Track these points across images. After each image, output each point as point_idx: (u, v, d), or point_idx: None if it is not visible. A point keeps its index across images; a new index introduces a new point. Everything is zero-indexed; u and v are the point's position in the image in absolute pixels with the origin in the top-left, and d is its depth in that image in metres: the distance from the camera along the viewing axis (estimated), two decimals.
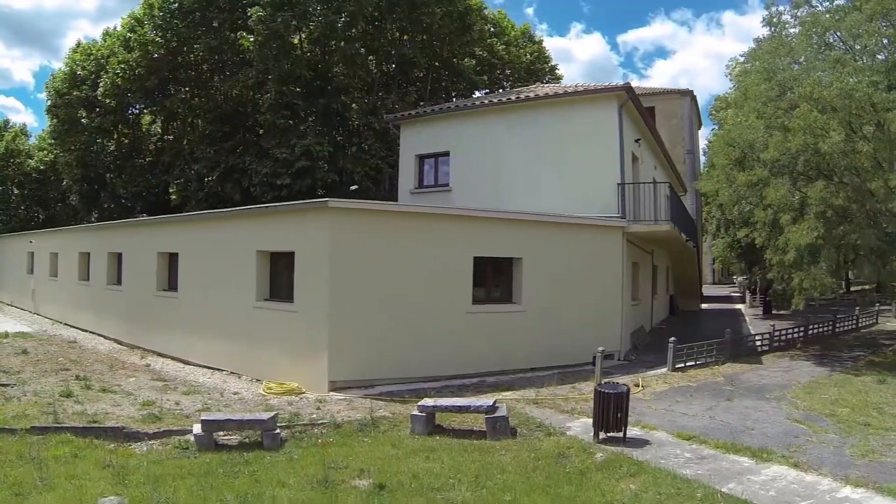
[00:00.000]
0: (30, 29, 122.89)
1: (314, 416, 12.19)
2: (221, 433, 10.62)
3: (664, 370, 17.58)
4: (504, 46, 41.33)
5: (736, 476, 8.79)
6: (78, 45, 43.24)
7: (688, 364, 18.05)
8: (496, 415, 10.92)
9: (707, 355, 18.72)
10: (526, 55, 42.88)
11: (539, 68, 43.51)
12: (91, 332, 24.82)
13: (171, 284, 21.00)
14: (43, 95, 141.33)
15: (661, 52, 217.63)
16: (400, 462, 9.37)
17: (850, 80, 16.88)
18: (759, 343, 21.85)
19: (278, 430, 10.56)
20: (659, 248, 28.08)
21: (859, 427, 11.50)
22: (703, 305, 42.00)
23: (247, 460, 9.46)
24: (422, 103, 33.65)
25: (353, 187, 31.12)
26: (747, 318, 33.00)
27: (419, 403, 11.54)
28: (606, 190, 20.34)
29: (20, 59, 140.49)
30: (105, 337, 23.57)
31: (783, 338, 22.76)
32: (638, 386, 15.26)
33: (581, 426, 11.38)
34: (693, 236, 30.86)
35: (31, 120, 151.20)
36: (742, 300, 46.21)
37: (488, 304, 17.33)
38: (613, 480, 8.53)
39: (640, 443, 10.38)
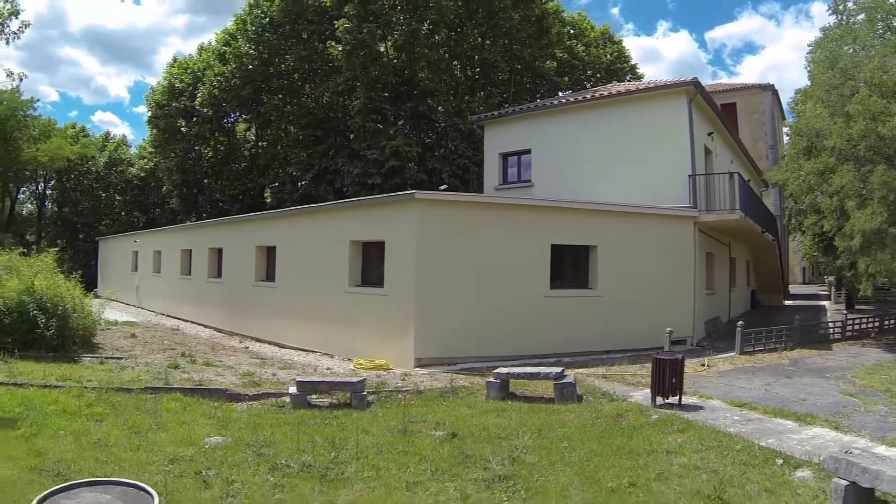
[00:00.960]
0: (123, 47, 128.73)
1: (399, 385, 13.53)
2: (314, 396, 12.01)
3: (733, 354, 18.27)
4: (584, 48, 42.05)
5: (776, 434, 9.47)
6: (175, 60, 46.12)
7: (756, 349, 18.67)
8: (563, 381, 12.06)
9: (776, 341, 19.31)
10: (606, 55, 43.48)
11: (619, 68, 44.00)
12: (192, 321, 26.81)
13: (269, 275, 22.74)
14: (139, 109, 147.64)
15: (750, 48, 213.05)
16: (473, 418, 10.58)
17: None
18: (831, 331, 22.24)
19: (366, 393, 11.89)
20: (736, 241, 28.48)
21: None
22: (787, 302, 41.71)
23: (336, 416, 10.81)
24: (505, 105, 34.79)
25: (443, 187, 32.49)
26: (828, 313, 32.99)
27: (494, 371, 12.73)
28: (678, 181, 21.09)
29: (115, 76, 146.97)
30: (205, 325, 25.45)
31: (856, 327, 23.07)
32: (704, 365, 16.11)
33: (643, 395, 12.33)
34: (772, 230, 31.07)
35: (127, 132, 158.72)
36: (828, 297, 45.72)
37: (565, 290, 18.36)
38: (662, 434, 9.51)
39: (694, 408, 11.27)
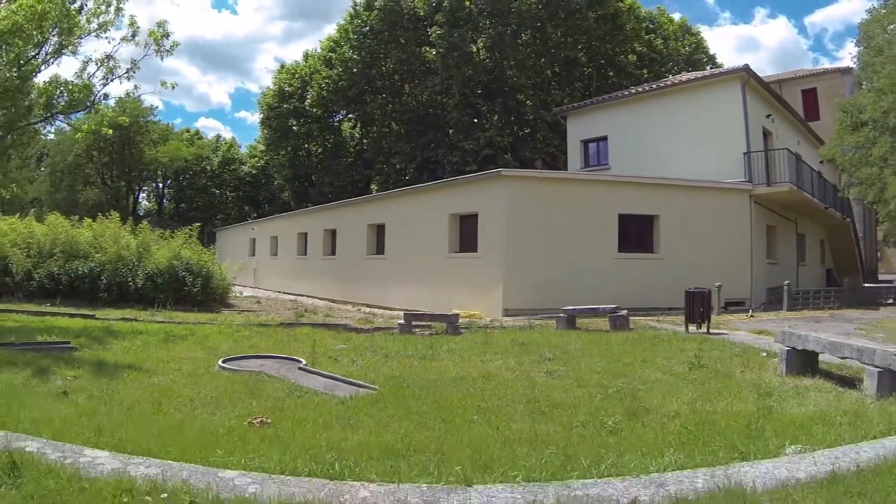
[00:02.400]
0: (223, 55, 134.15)
1: (487, 324, 16.74)
2: (417, 328, 15.31)
3: (782, 310, 20.79)
4: (662, 41, 44.20)
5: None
6: (283, 66, 50.64)
7: (804, 307, 21.11)
8: (617, 314, 15.08)
9: (824, 301, 21.72)
10: (684, 48, 45.57)
11: (698, 59, 45.89)
12: (308, 295, 30.34)
13: (379, 249, 26.32)
14: (240, 114, 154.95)
15: (852, 31, 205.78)
16: (541, 337, 13.65)
17: None
18: (883, 297, 24.36)
19: (459, 324, 15.16)
20: (804, 218, 30.28)
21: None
22: (867, 284, 42.56)
23: (434, 337, 14.05)
24: (589, 97, 37.61)
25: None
26: None
27: (563, 308, 15.86)
28: (735, 158, 23.52)
29: (216, 84, 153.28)
30: (320, 298, 28.98)
31: None
32: (750, 315, 18.76)
33: (681, 329, 14.81)
34: (845, 210, 32.63)
35: (229, 137, 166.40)
36: None
37: (631, 253, 21.17)
38: (682, 342, 12.35)
39: (720, 334, 13.90)
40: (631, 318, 16.26)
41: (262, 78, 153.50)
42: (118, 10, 17.08)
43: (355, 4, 41.06)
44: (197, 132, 70.62)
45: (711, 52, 47.69)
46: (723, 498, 3.80)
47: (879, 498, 3.81)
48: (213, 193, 66.04)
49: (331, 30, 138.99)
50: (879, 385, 7.09)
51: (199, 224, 27.97)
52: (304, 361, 9.85)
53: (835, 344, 8.13)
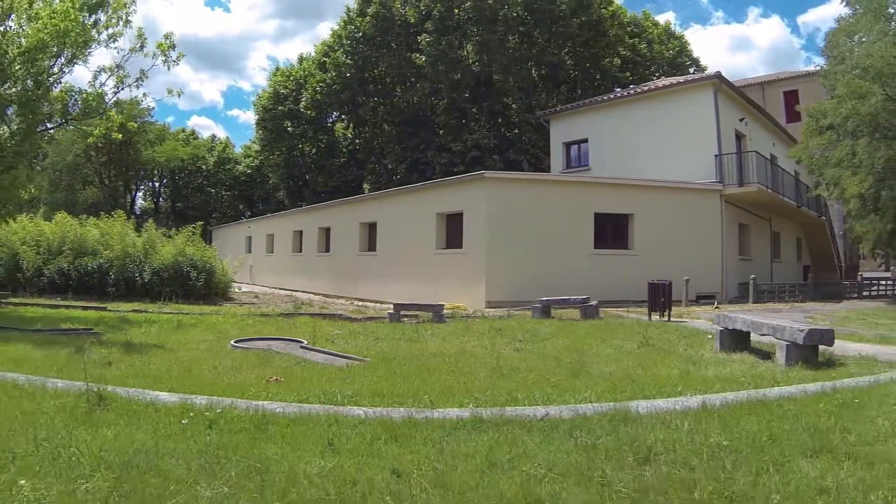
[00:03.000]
0: (215, 53, 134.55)
1: (470, 314, 18.23)
2: (406, 318, 16.76)
3: (748, 303, 22.27)
4: (646, 45, 45.70)
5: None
6: (277, 69, 52.30)
7: (769, 300, 22.60)
8: (587, 305, 16.57)
9: (789, 295, 23.22)
10: (668, 51, 47.07)
11: (681, 62, 47.37)
12: (303, 291, 31.72)
13: (371, 246, 27.80)
14: (233, 112, 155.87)
15: None
16: (516, 325, 15.05)
17: (883, 46, 20.80)
18: (846, 291, 25.94)
19: (444, 313, 16.63)
20: (779, 216, 31.69)
21: (860, 323, 15.75)
22: (847, 281, 43.85)
23: (420, 325, 15.47)
24: (574, 100, 39.06)
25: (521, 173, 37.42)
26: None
27: (538, 299, 17.34)
28: (707, 160, 25.11)
29: (208, 82, 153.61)
30: (315, 293, 30.42)
31: (877, 289, 26.63)
32: (715, 307, 20.17)
33: (646, 318, 16.17)
34: (821, 209, 34.05)
35: (222, 135, 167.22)
36: None
37: (606, 249, 22.67)
38: (641, 327, 13.74)
39: (681, 322, 15.35)
40: (603, 309, 17.74)
41: (255, 76, 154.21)
42: (126, 22, 18.33)
43: (349, 11, 42.57)
44: (192, 132, 71.93)
45: (695, 55, 49.27)
46: (612, 415, 5.20)
47: (722, 420, 5.21)
48: (208, 192, 67.45)
49: (324, 28, 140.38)
50: (787, 356, 8.50)
51: (201, 223, 29.37)
52: (306, 342, 11.31)
53: (756, 323, 9.57)
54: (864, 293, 26.25)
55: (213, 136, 72.95)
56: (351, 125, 48.60)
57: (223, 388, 6.61)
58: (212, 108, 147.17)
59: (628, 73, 44.54)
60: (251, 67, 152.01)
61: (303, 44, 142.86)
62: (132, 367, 8.09)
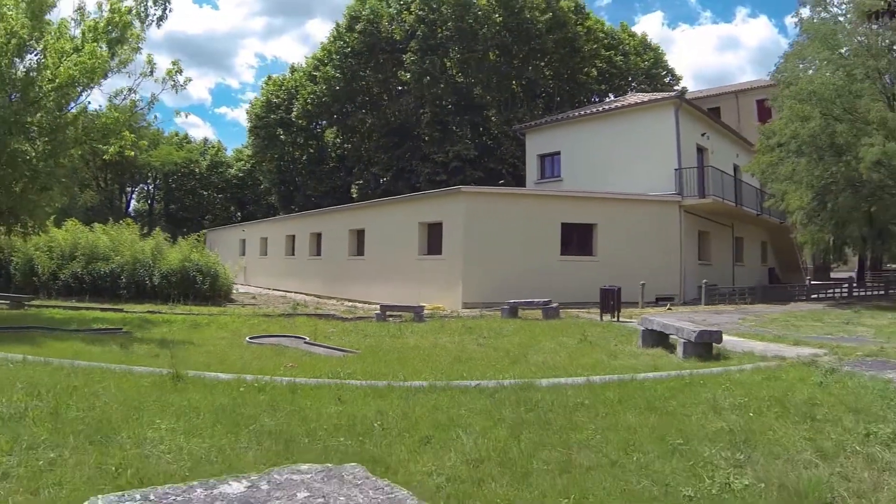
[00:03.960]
0: (204, 51, 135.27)
1: (447, 314, 20.71)
2: (391, 317, 19.16)
3: (701, 305, 24.71)
4: (622, 57, 48.19)
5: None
6: (269, 78, 54.73)
7: (720, 301, 25.04)
8: (548, 306, 19.03)
9: (739, 297, 25.72)
10: (644, 62, 49.51)
11: (656, 73, 49.83)
12: (295, 291, 34.10)
13: (359, 251, 30.26)
14: (220, 110, 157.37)
15: None
16: (485, 324, 17.43)
17: (827, 74, 23.33)
18: (796, 293, 28.44)
19: (424, 314, 19.08)
20: (742, 223, 33.91)
21: (780, 324, 17.90)
22: (815, 282, 45.60)
23: (403, 324, 17.76)
24: (550, 112, 41.57)
25: (501, 182, 39.97)
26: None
27: (507, 301, 19.80)
28: (668, 174, 27.58)
29: (197, 79, 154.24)
30: (307, 294, 32.80)
31: (825, 292, 29.08)
32: (668, 308, 22.67)
33: (608, 318, 18.64)
34: (784, 216, 36.50)
35: (210, 133, 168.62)
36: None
37: (572, 256, 25.16)
38: (589, 327, 16.15)
39: (627, 322, 17.53)
40: (565, 310, 20.21)
41: (243, 73, 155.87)
42: (137, 49, 20.43)
43: (338, 26, 45.00)
44: (185, 136, 74.13)
45: (670, 65, 51.66)
46: (522, 386, 7.64)
47: (594, 390, 7.65)
48: (201, 195, 70.07)
49: (312, 26, 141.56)
50: (685, 351, 10.87)
51: (204, 231, 31.71)
52: (308, 338, 13.75)
53: (667, 325, 11.98)
54: (814, 296, 28.60)
55: (206, 140, 75.42)
56: (340, 133, 51.03)
57: (255, 371, 8.96)
58: (199, 105, 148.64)
59: (604, 86, 47.09)
60: (239, 65, 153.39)
61: (291, 41, 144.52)
62: (176, 358, 10.44)
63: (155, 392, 7.32)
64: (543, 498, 4.36)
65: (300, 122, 49.04)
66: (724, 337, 11.95)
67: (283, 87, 51.71)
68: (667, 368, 9.60)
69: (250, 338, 13.72)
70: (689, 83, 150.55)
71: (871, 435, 5.62)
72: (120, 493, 2.47)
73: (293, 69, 52.89)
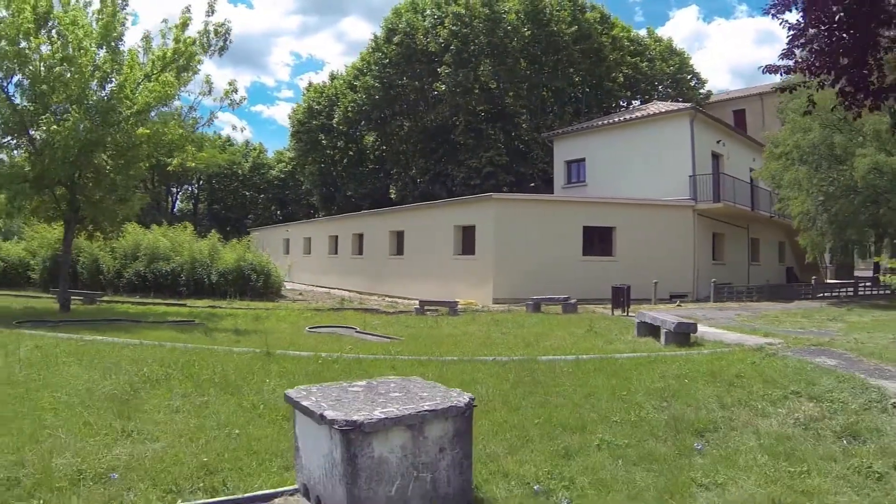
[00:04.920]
0: (239, 50, 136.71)
1: (479, 309, 23.15)
2: (428, 311, 21.66)
3: (710, 302, 26.86)
4: (648, 63, 50.16)
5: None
6: (310, 85, 57.82)
7: (728, 299, 27.18)
8: (567, 302, 21.41)
9: (746, 295, 27.84)
10: (669, 67, 51.39)
11: (682, 77, 51.60)
12: (338, 288, 36.88)
13: (399, 251, 32.85)
14: (256, 108, 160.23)
15: None
16: (511, 317, 19.90)
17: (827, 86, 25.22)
18: (802, 292, 30.46)
19: (458, 308, 21.54)
20: (758, 224, 35.66)
21: (769, 320, 20.01)
22: (832, 280, 46.87)
23: (439, 317, 20.24)
24: (578, 119, 43.89)
25: (532, 185, 42.65)
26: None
27: (530, 297, 22.22)
28: (683, 180, 29.85)
29: (232, 77, 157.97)
30: (349, 290, 35.50)
31: (830, 291, 31.04)
32: (678, 305, 24.87)
33: (619, 313, 21.10)
34: None
35: (247, 133, 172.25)
36: None
37: (593, 256, 27.53)
38: (600, 320, 18.55)
39: (632, 317, 19.72)
40: (584, 305, 22.57)
41: (279, 71, 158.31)
42: (196, 71, 22.86)
43: (376, 38, 47.67)
44: (228, 139, 77.38)
45: (696, 69, 53.25)
46: (527, 360, 10.13)
47: (581, 364, 10.09)
48: (243, 195, 73.28)
49: (346, 24, 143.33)
50: (666, 339, 13.16)
51: (250, 235, 34.46)
52: (358, 328, 16.31)
53: (654, 318, 14.31)
54: (820, 295, 30.55)
55: (248, 142, 78.54)
56: (379, 137, 53.71)
57: (324, 351, 11.44)
58: (210, 82, 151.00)
59: (629, 92, 49.23)
60: (274, 63, 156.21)
61: (326, 39, 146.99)
62: (255, 343, 12.97)
63: (255, 363, 9.91)
64: (526, 419, 6.85)
65: (341, 128, 51.88)
66: (710, 329, 14.36)
67: (324, 94, 54.54)
68: (645, 351, 11.97)
69: (309, 328, 16.30)
70: (725, 78, 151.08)
71: (765, 395, 7.98)
72: (307, 385, 5.01)
73: (333, 76, 55.73)
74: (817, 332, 15.40)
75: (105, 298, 25.09)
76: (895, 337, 13.71)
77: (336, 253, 40.21)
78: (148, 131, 20.09)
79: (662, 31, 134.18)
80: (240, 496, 4.61)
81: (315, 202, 61.14)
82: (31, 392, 7.91)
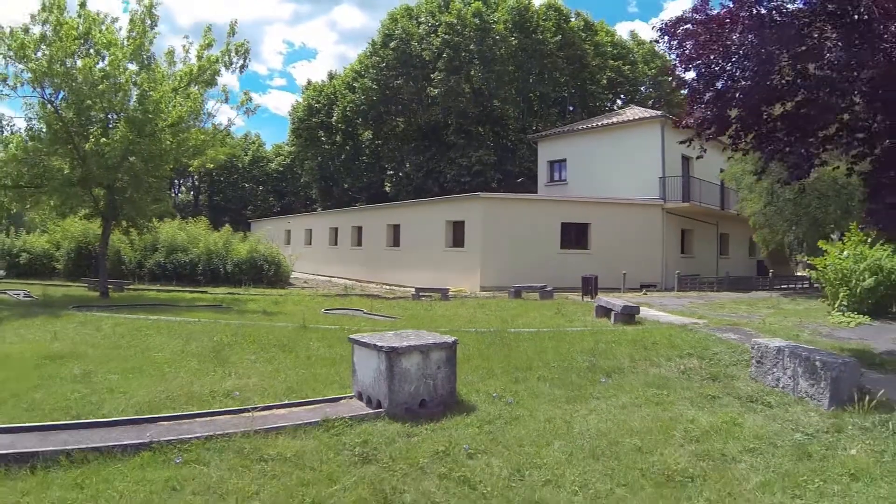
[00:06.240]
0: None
1: (467, 295, 26.39)
2: (423, 297, 24.85)
3: (674, 291, 30.07)
4: (630, 66, 53.45)
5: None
6: (309, 83, 61.00)
7: (690, 289, 30.41)
8: (544, 289, 24.62)
9: (708, 286, 31.09)
10: (650, 70, 54.65)
11: (663, 79, 54.49)
12: (338, 276, 40.14)
13: (395, 242, 36.13)
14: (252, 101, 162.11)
15: None
16: (494, 302, 23.12)
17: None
18: (759, 284, 33.71)
19: (450, 295, 24.75)
20: (728, 221, 38.70)
21: (714, 306, 23.58)
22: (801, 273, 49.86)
23: (433, 302, 23.45)
24: (562, 120, 47.24)
25: (519, 180, 45.99)
26: None
27: (513, 285, 25.43)
28: (654, 181, 33.12)
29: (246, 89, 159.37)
30: (348, 279, 38.71)
31: (788, 284, 34.32)
32: (644, 293, 28.07)
33: (588, 300, 24.36)
34: None
35: (238, 121, 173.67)
36: None
37: (570, 249, 30.83)
38: (567, 306, 21.76)
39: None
40: (560, 293, 25.76)
41: (271, 60, 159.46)
42: (215, 83, 25.70)
43: (374, 43, 50.87)
44: (227, 132, 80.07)
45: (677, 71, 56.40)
46: (498, 330, 13.33)
47: (539, 334, 13.32)
48: (242, 187, 76.20)
49: (339, 12, 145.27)
50: (615, 319, 16.24)
51: (263, 231, 37.52)
52: (366, 310, 19.48)
53: (609, 301, 17.53)
54: (777, 286, 33.79)
55: (247, 136, 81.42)
56: (375, 135, 56.93)
57: (344, 325, 14.66)
58: (229, 92, 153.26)
59: (611, 94, 52.45)
60: (266, 51, 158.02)
61: (319, 27, 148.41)
62: (287, 320, 16.05)
63: (296, 333, 13.12)
64: (493, 363, 10.12)
65: (340, 126, 55.13)
66: (657, 312, 17.66)
67: (323, 93, 57.73)
68: (592, 327, 15.20)
69: (325, 310, 19.46)
70: None
71: (665, 355, 11.21)
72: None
73: (331, 76, 58.92)
74: (745, 317, 18.57)
75: (131, 287, 27.67)
76: (800, 321, 17.01)
77: (336, 244, 43.45)
78: (176, 139, 23.01)
79: (657, 19, 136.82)
80: (320, 398, 7.83)
81: (314, 195, 64.41)
82: (140, 352, 11.09)
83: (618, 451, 6.36)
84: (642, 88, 55.22)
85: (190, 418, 6.94)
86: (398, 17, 49.93)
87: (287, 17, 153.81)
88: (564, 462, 6.06)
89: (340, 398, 7.89)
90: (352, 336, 8.15)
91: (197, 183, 79.88)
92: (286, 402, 7.72)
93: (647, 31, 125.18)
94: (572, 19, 49.62)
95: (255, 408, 7.27)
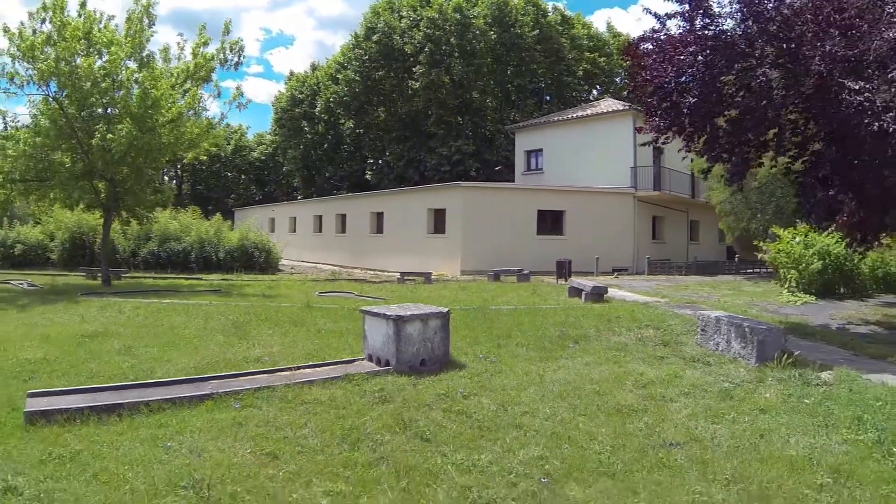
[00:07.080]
0: (209, 24, 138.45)
1: (448, 279, 28.06)
2: (408, 280, 26.48)
3: (644, 274, 31.90)
4: (605, 58, 55.24)
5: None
6: (292, 74, 62.28)
7: (660, 273, 32.23)
8: (521, 273, 26.33)
9: (676, 270, 32.93)
10: (625, 62, 56.31)
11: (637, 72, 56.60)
12: (323, 263, 41.60)
13: (379, 229, 37.72)
14: (226, 84, 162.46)
15: None
16: (475, 285, 24.63)
17: None
18: (726, 268, 35.61)
19: (432, 278, 26.43)
20: (698, 208, 40.25)
21: (678, 288, 25.53)
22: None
23: (416, 286, 25.05)
24: (540, 111, 48.98)
25: (498, 168, 47.71)
26: None
27: (492, 269, 27.14)
28: (626, 171, 34.86)
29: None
30: (333, 265, 40.22)
31: (753, 269, 36.20)
32: (616, 276, 29.84)
33: (561, 282, 26.08)
34: None
35: (215, 108, 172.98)
36: None
37: (546, 235, 32.53)
38: (543, 288, 23.43)
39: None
40: (536, 276, 27.48)
41: (248, 46, 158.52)
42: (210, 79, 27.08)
43: (356, 36, 52.32)
44: (209, 122, 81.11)
45: None
46: (481, 307, 15.01)
47: (517, 312, 15.01)
48: (225, 176, 77.36)
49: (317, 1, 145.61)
50: (585, 298, 17.88)
51: (252, 219, 38.88)
52: (356, 293, 21.11)
53: (581, 283, 19.25)
54: (743, 271, 35.64)
55: (229, 125, 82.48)
56: (357, 125, 58.28)
57: (340, 304, 16.28)
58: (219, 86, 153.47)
59: (587, 86, 54.24)
60: (244, 37, 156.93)
61: (297, 14, 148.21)
62: (287, 301, 17.63)
63: (301, 312, 14.74)
64: (478, 332, 11.86)
65: (323, 116, 56.55)
66: (625, 293, 19.40)
67: (306, 84, 59.11)
68: (564, 305, 16.95)
69: (319, 293, 21.06)
70: None
71: (626, 326, 12.95)
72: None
73: (314, 67, 60.31)
74: (705, 296, 20.40)
75: (128, 275, 28.66)
76: (752, 300, 18.87)
77: (321, 231, 44.96)
78: (174, 134, 24.37)
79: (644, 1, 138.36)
80: (337, 360, 9.50)
81: (296, 183, 65.84)
82: (168, 329, 12.66)
83: (580, 394, 8.12)
84: (617, 80, 56.94)
85: (235, 377, 8.55)
86: (380, 10, 51.41)
87: (265, 3, 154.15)
88: (538, 400, 7.82)
89: (354, 360, 9.55)
90: (363, 308, 9.93)
91: (180, 173, 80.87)
92: (310, 363, 9.36)
93: (624, 20, 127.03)
94: (549, 14, 51.37)
95: (288, 368, 8.92)
